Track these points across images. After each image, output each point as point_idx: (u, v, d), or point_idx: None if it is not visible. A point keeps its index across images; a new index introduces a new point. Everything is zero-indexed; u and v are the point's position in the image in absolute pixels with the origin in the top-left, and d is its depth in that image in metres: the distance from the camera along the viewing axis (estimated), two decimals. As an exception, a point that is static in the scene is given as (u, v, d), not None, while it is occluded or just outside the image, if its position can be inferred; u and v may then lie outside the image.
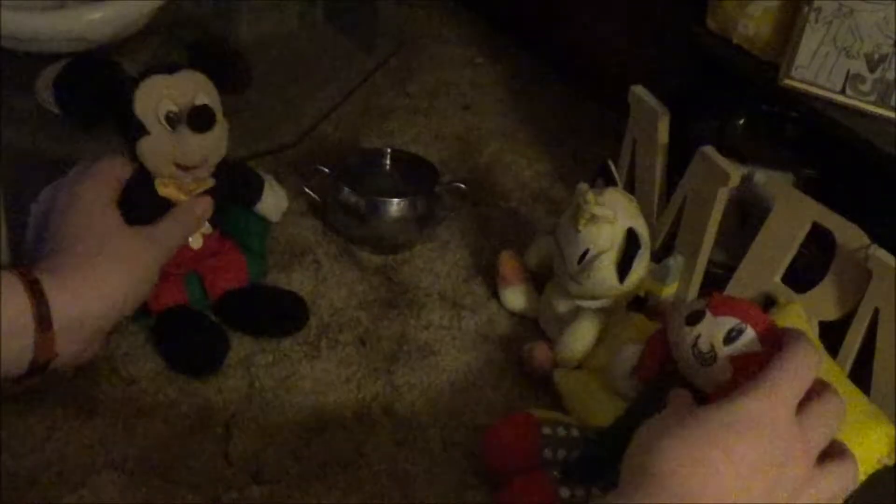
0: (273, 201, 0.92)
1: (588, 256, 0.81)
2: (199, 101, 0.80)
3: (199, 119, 0.79)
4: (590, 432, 0.74)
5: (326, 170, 1.00)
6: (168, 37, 1.22)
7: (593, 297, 0.83)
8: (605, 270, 0.81)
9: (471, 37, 1.37)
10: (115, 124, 0.80)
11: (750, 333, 0.65)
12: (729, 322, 0.66)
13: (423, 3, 1.43)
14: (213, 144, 0.81)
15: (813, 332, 0.82)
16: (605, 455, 0.71)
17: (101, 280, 0.70)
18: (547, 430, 0.74)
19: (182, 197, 0.81)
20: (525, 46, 1.35)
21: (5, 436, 0.74)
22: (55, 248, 0.72)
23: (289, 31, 1.32)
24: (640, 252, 0.80)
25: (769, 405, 0.58)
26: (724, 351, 0.65)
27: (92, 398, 0.79)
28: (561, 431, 0.74)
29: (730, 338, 0.65)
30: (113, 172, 0.78)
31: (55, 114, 1.03)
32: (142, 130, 0.79)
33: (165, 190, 0.81)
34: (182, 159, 0.80)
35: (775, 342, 0.64)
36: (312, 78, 1.22)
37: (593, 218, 0.80)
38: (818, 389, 0.61)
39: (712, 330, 0.66)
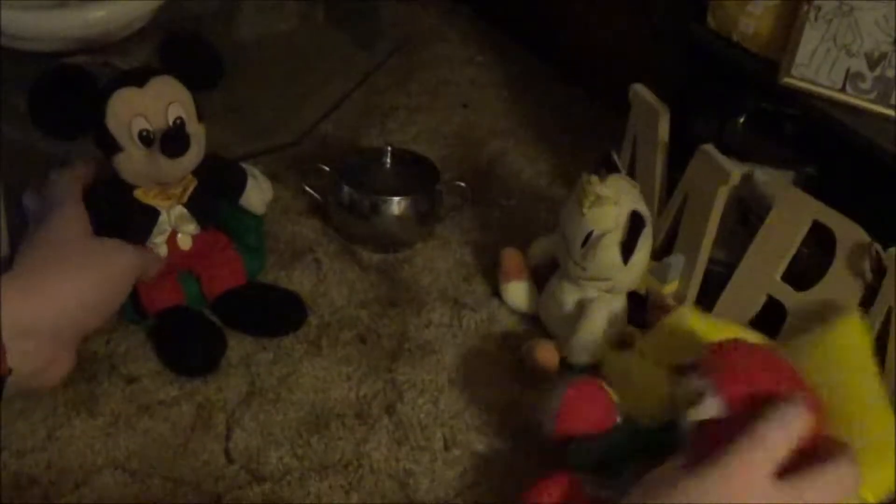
0: (257, 194, 0.91)
1: (592, 238, 0.81)
2: (172, 115, 0.77)
3: (173, 144, 0.77)
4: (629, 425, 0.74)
5: (327, 168, 1.00)
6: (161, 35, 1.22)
7: (598, 280, 0.83)
8: (609, 250, 0.81)
9: (471, 36, 1.37)
10: (91, 137, 0.78)
11: (712, 399, 0.62)
12: (693, 384, 0.63)
13: (423, 2, 1.43)
14: (189, 162, 0.80)
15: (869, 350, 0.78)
16: (614, 452, 0.72)
17: (55, 286, 0.67)
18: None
19: (164, 203, 0.80)
20: (525, 45, 1.35)
21: (5, 435, 0.74)
22: (19, 261, 0.69)
23: (289, 31, 1.32)
24: (645, 231, 0.80)
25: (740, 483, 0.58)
26: (686, 414, 0.63)
27: (92, 397, 0.79)
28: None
29: (691, 402, 0.63)
30: (75, 178, 0.76)
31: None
32: (116, 146, 0.77)
33: (147, 198, 0.80)
34: (159, 178, 0.79)
35: (753, 405, 0.61)
36: (312, 77, 1.22)
37: (598, 200, 0.81)
38: (830, 451, 0.60)
39: (685, 390, 0.64)
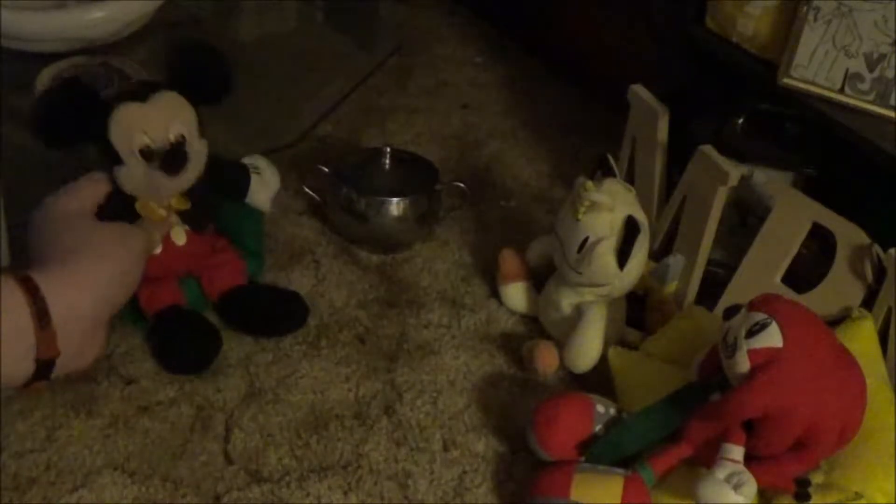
0: (263, 191, 0.90)
1: (588, 244, 0.81)
2: (173, 132, 0.77)
3: (172, 163, 0.77)
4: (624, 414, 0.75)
5: (326, 169, 1.00)
6: (168, 37, 1.23)
7: (594, 285, 0.83)
8: (605, 257, 0.81)
9: (470, 37, 1.37)
10: (93, 149, 0.78)
11: (773, 329, 0.64)
12: (756, 317, 0.66)
13: (422, 3, 1.43)
14: (187, 180, 0.79)
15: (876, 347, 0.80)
16: (629, 438, 0.72)
17: (88, 272, 0.70)
18: (600, 409, 0.75)
19: (162, 213, 0.80)
20: (524, 46, 1.35)
21: (5, 436, 0.75)
22: (39, 254, 0.72)
23: (289, 31, 1.32)
24: (640, 237, 0.80)
25: None
26: (743, 343, 0.65)
27: (92, 398, 0.79)
28: (612, 412, 0.75)
29: (752, 331, 0.65)
30: (90, 190, 0.77)
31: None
32: (117, 159, 0.77)
33: (145, 210, 0.79)
34: (157, 193, 0.79)
35: (805, 340, 0.64)
36: (312, 78, 1.22)
37: (592, 205, 0.81)
38: None
39: (741, 324, 0.66)
